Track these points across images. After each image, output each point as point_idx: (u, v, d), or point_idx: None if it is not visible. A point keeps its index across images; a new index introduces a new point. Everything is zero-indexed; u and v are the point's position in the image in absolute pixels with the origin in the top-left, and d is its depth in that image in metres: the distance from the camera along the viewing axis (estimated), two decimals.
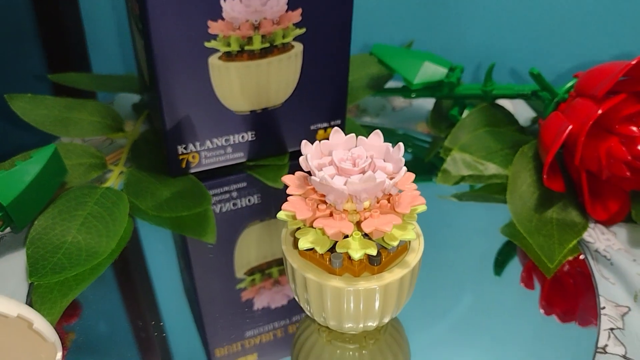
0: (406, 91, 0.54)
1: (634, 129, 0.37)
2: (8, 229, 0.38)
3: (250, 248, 0.41)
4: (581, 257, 0.38)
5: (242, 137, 0.45)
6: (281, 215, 0.28)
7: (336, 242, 0.26)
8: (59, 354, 0.26)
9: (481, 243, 0.40)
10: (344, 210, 0.27)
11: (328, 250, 0.27)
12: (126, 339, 0.34)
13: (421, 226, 0.31)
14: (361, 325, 0.29)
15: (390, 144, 0.28)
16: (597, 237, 0.39)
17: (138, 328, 0.34)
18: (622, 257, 0.37)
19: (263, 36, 0.41)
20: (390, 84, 0.57)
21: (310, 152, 0.28)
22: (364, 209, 0.27)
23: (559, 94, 0.42)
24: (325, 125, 0.48)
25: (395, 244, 0.26)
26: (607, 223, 0.40)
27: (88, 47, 0.61)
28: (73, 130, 0.46)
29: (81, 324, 0.34)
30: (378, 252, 0.27)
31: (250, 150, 0.46)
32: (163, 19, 0.38)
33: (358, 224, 0.27)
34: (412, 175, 0.29)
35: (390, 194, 0.27)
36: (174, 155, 0.43)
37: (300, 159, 0.27)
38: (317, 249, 0.26)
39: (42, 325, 0.25)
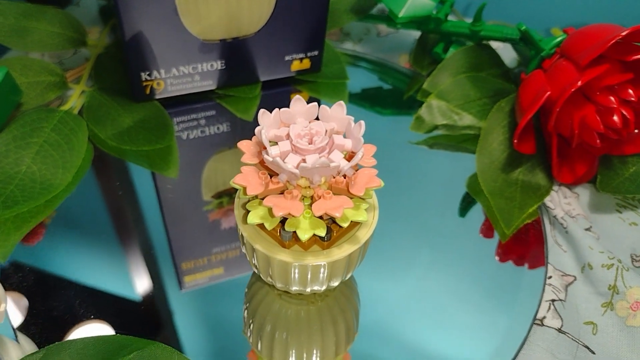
0: (391, 21, 0.51)
1: (612, 99, 0.36)
2: None
3: (217, 174, 0.40)
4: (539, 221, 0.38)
5: (211, 65, 0.43)
6: (234, 184, 0.27)
7: (286, 218, 0.26)
8: (3, 305, 0.26)
9: (445, 193, 0.40)
10: (297, 185, 0.26)
11: (280, 222, 0.26)
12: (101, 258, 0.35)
13: (387, 168, 0.31)
14: (308, 290, 0.29)
15: (353, 118, 0.27)
16: (559, 201, 0.39)
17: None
18: (578, 226, 0.37)
19: None
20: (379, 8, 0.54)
21: (267, 122, 0.26)
22: (318, 185, 0.26)
23: (545, 50, 0.40)
24: (301, 55, 0.46)
25: (346, 225, 0.26)
26: (572, 185, 0.40)
27: None
28: (31, 42, 0.43)
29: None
30: (329, 228, 0.27)
31: (220, 78, 0.44)
32: None
33: (312, 199, 0.26)
34: (374, 148, 0.28)
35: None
36: (137, 81, 0.41)
37: (256, 130, 0.26)
38: (266, 225, 0.26)
39: None
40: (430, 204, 0.40)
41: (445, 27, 0.48)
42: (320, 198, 0.26)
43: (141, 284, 0.34)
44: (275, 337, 0.31)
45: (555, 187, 0.40)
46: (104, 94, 0.43)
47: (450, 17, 0.54)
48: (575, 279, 0.35)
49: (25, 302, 0.31)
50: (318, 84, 0.48)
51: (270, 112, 0.27)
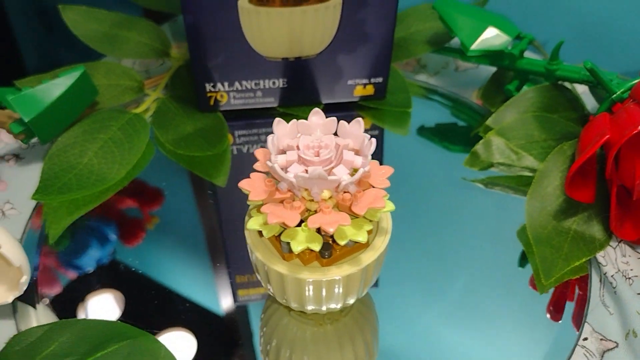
0: (465, 54, 0.50)
1: None
2: (35, 139, 0.41)
3: None
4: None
5: (273, 82, 0.44)
6: (241, 188, 0.27)
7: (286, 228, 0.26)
8: (25, 277, 0.28)
9: (495, 237, 0.38)
10: (302, 197, 0.26)
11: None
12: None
13: (439, 203, 0.29)
14: (308, 308, 0.29)
15: (368, 136, 0.26)
16: (614, 258, 0.35)
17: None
18: (629, 288, 0.33)
19: None
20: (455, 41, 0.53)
21: (281, 132, 0.27)
22: (322, 199, 0.26)
23: (614, 92, 0.37)
24: (365, 81, 0.46)
25: (343, 242, 0.25)
26: (637, 243, 0.36)
27: None
28: (119, 49, 0.47)
29: None
30: (329, 244, 0.26)
31: (281, 96, 0.46)
32: None
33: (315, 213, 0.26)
34: (391, 170, 0.28)
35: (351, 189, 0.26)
36: (202, 91, 0.44)
37: (268, 137, 0.27)
38: (264, 232, 0.26)
39: (9, 250, 0.27)
40: (476, 245, 0.38)
41: (520, 64, 0.46)
42: (320, 212, 0.25)
43: (204, 291, 0.35)
44: (280, 353, 0.31)
45: (614, 243, 0.36)
46: (174, 101, 0.46)
47: (532, 55, 0.51)
48: (616, 346, 0.31)
49: (122, 297, 0.33)
50: (381, 111, 0.48)
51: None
